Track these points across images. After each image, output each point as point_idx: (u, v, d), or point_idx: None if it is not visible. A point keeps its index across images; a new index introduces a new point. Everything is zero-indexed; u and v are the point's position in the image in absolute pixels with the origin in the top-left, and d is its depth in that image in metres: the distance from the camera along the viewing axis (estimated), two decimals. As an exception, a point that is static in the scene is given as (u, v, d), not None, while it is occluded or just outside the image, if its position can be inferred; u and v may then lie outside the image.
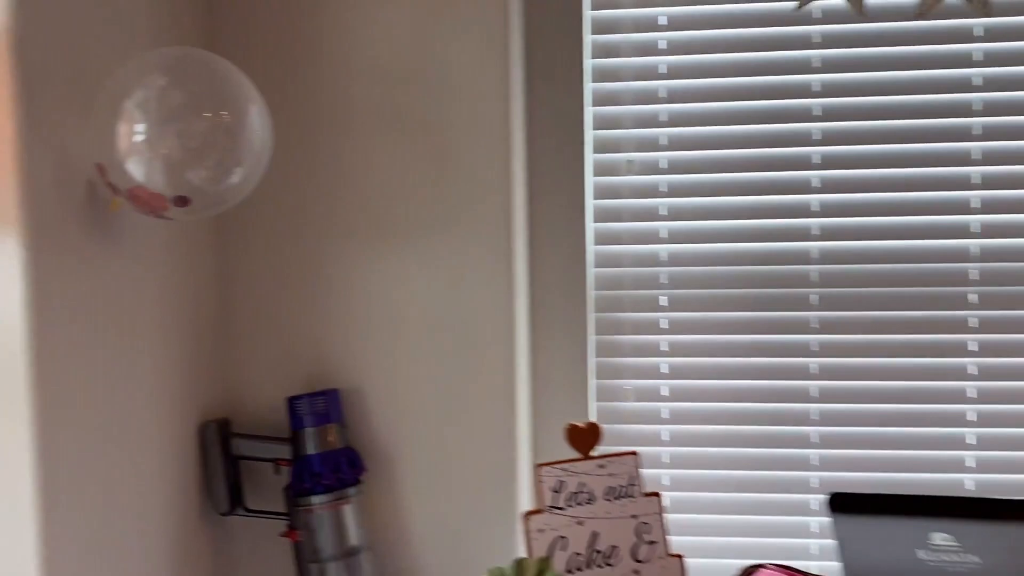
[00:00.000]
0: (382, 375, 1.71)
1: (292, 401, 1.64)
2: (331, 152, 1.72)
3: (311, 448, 1.62)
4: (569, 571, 1.42)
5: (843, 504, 1.74)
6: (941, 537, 1.65)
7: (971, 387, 1.87)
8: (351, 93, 1.69)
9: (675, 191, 1.88)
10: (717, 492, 1.97)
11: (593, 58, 1.85)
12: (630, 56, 1.86)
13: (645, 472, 1.97)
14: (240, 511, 1.68)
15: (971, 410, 1.88)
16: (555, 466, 1.48)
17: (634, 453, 1.52)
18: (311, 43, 1.69)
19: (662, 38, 1.83)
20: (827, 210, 1.85)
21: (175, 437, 1.62)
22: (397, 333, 1.71)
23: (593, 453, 1.52)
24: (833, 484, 1.89)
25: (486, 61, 1.68)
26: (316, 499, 1.59)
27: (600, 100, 1.86)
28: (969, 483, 1.92)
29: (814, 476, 1.95)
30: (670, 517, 1.91)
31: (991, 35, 1.77)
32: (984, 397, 1.87)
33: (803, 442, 1.94)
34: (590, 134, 1.86)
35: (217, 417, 1.69)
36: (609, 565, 1.45)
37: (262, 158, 1.33)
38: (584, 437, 1.52)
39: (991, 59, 1.78)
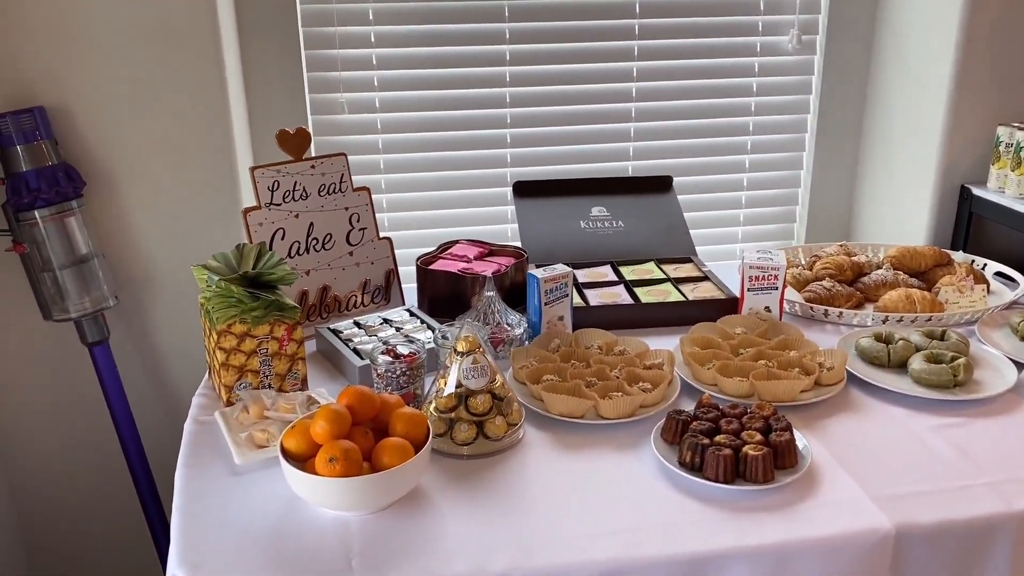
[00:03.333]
0: (89, 91, 1.71)
1: (-5, 120, 1.62)
2: None
3: (24, 165, 1.64)
4: (290, 255, 1.65)
5: (525, 189, 2.11)
6: (598, 210, 2.08)
7: (634, 87, 2.26)
8: None
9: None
10: (428, 191, 2.29)
11: None
12: None
13: (364, 178, 2.22)
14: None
15: (634, 107, 2.29)
16: (269, 168, 1.65)
17: (342, 154, 1.72)
18: None
19: None
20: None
21: None
22: (98, 47, 1.69)
23: (306, 157, 1.69)
24: (524, 176, 2.29)
25: None
26: (38, 213, 1.65)
27: None
28: (629, 169, 2.37)
29: (510, 171, 2.31)
30: (388, 215, 2.26)
31: None
32: (640, 95, 2.27)
33: (500, 143, 2.27)
34: None
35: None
36: (326, 249, 1.69)
37: None
38: (294, 141, 1.67)
39: None
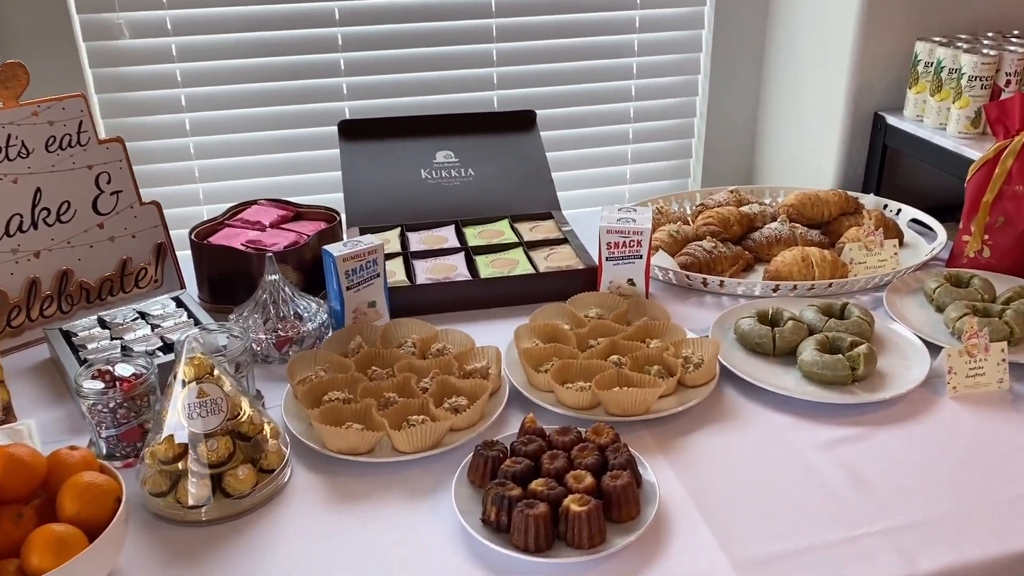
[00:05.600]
0: None
1: None
2: None
3: None
4: (9, 233, 1.25)
5: (354, 130, 1.71)
6: (444, 155, 1.70)
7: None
8: None
9: None
10: (248, 132, 1.89)
11: None
12: None
13: (162, 119, 1.81)
14: None
15: (495, 24, 1.91)
16: (-29, 118, 1.23)
17: (79, 96, 1.30)
18: None
19: None
20: None
21: None
22: None
23: (24, 100, 1.27)
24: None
25: None
26: None
27: None
28: (495, 101, 1.99)
29: (348, 105, 1.91)
30: (197, 163, 1.87)
31: None
32: (502, 10, 1.88)
33: (332, 70, 1.87)
34: None
35: None
36: (62, 222, 1.30)
37: None
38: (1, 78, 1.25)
39: None
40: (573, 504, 0.88)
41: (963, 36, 1.66)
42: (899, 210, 1.61)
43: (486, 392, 1.07)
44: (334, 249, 1.23)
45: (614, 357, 1.15)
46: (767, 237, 1.49)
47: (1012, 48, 1.55)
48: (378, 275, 1.26)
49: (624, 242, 1.29)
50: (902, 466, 1.00)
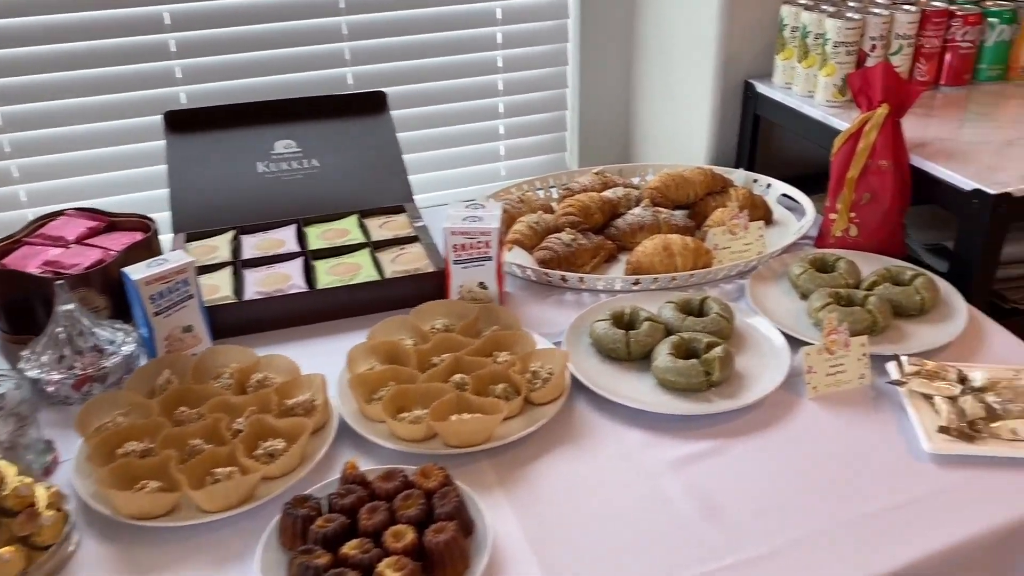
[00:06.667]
0: None
1: None
2: None
3: None
4: None
5: (181, 121, 1.53)
6: (284, 144, 1.55)
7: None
8: None
9: None
10: (71, 125, 1.68)
11: None
12: None
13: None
14: None
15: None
16: None
17: None
18: None
19: None
20: None
21: None
22: None
23: None
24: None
25: None
26: None
27: None
28: (349, 77, 1.84)
29: (184, 91, 1.73)
30: (15, 162, 1.65)
31: None
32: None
33: (161, 53, 1.67)
34: None
35: None
36: None
37: None
38: None
39: None
40: (388, 570, 0.78)
41: (829, -2, 1.59)
42: (769, 184, 1.55)
43: (306, 432, 0.96)
44: (134, 271, 1.07)
45: (457, 377, 1.05)
46: (630, 224, 1.40)
47: (877, 11, 1.49)
48: (191, 296, 1.11)
49: (471, 243, 1.18)
50: (758, 484, 0.94)
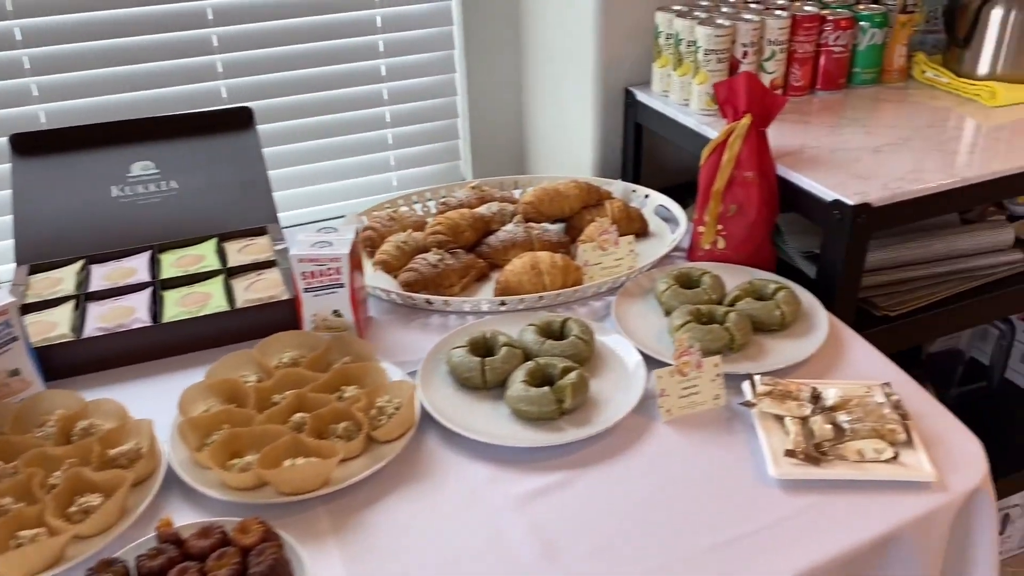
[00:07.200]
0: None
1: None
2: None
3: None
4: None
5: (28, 145, 1.45)
6: (142, 166, 1.47)
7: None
8: None
9: None
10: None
11: None
12: None
13: None
14: None
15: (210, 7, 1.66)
16: None
17: None
18: None
19: None
20: None
21: None
22: None
23: None
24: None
25: None
26: None
27: None
28: (223, 91, 1.76)
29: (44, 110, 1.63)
30: None
31: None
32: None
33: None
34: None
35: None
36: None
37: None
38: None
39: None
40: (189, 640, 0.73)
41: (704, 3, 1.57)
42: (647, 195, 1.53)
43: (125, 485, 0.89)
44: (-55, 316, 1.00)
45: (297, 416, 1.00)
46: (502, 242, 1.36)
47: (748, 17, 1.47)
48: (15, 338, 1.04)
49: (321, 271, 1.13)
50: (602, 519, 0.90)
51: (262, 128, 1.79)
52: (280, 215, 1.46)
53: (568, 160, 1.81)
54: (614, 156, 1.71)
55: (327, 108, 1.85)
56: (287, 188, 1.86)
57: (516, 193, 1.56)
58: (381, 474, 0.96)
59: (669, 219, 1.48)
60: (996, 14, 1.51)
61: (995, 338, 1.77)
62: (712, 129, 1.44)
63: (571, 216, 1.44)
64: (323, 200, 1.91)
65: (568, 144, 1.80)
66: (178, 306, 1.21)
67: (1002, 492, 1.71)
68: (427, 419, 1.03)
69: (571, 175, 1.74)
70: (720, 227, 1.30)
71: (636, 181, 1.69)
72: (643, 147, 1.68)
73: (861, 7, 1.56)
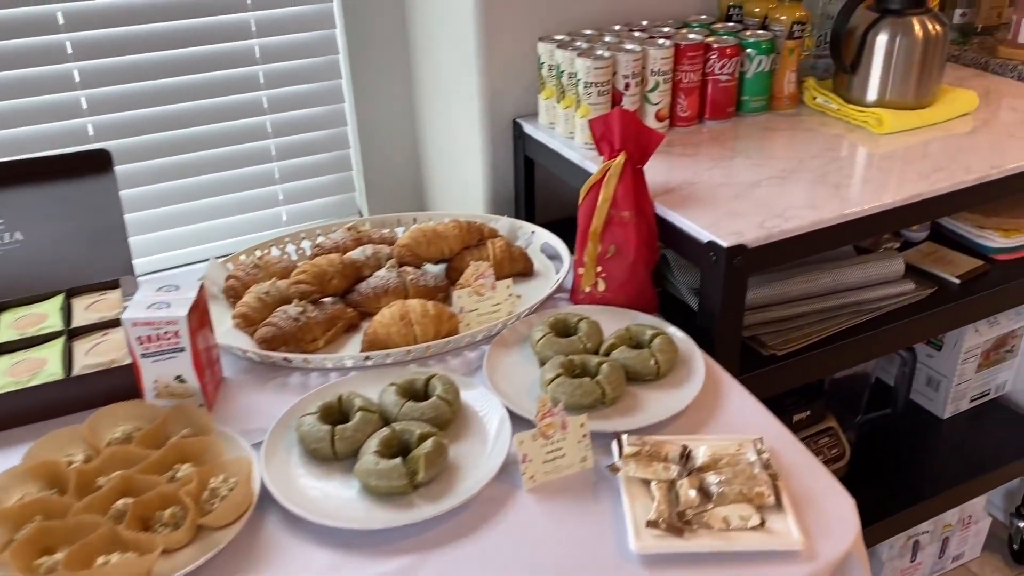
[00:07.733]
0: None
1: None
2: None
3: None
4: None
5: None
6: (-16, 216, 1.37)
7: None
8: None
9: None
10: None
11: None
12: None
13: None
14: None
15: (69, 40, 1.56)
16: None
17: None
18: None
19: None
20: None
21: None
22: None
23: None
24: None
25: None
26: None
27: None
28: (90, 129, 1.66)
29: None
30: None
31: None
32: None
33: None
34: None
35: None
36: None
37: None
38: None
39: None
40: None
41: (587, 32, 1.52)
42: (533, 232, 1.47)
43: (-95, 599, 0.80)
44: None
45: (120, 502, 0.91)
46: (374, 288, 1.28)
47: (628, 47, 1.42)
48: None
49: (157, 334, 1.04)
50: (447, 607, 0.84)
51: (139, 165, 1.71)
52: (156, 258, 1.37)
53: (462, 194, 1.75)
54: (506, 190, 1.65)
55: (208, 143, 1.75)
56: (166, 228, 1.76)
57: (399, 232, 1.48)
58: (210, 566, 0.87)
59: (555, 256, 1.43)
60: (881, 40, 1.49)
61: (897, 364, 1.75)
62: (594, 164, 1.39)
63: (452, 258, 1.37)
64: (201, 240, 1.81)
65: (462, 177, 1.73)
66: (6, 376, 1.10)
67: (910, 520, 1.68)
68: (269, 499, 0.95)
69: (464, 209, 1.68)
70: (600, 269, 1.25)
71: (529, 215, 1.64)
72: (535, 181, 1.62)
73: (748, 34, 1.53)
